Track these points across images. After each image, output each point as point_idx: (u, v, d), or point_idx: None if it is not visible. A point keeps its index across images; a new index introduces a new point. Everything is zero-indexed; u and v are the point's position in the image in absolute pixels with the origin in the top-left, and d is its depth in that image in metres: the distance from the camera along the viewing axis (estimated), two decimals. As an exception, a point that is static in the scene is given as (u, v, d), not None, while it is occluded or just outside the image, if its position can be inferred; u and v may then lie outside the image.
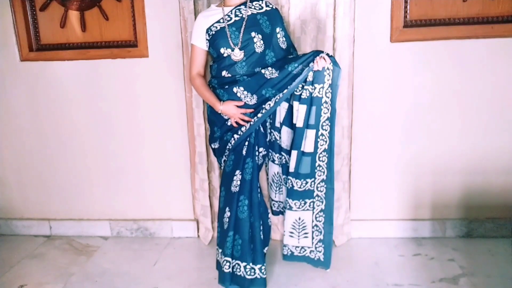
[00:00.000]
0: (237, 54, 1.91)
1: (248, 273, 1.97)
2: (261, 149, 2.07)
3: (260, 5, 1.95)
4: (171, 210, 2.63)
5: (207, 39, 1.97)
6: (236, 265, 1.99)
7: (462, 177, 2.40)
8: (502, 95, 2.29)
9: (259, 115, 1.96)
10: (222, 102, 1.98)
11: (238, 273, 1.99)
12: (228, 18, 1.92)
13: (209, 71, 2.14)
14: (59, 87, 2.53)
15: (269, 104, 1.94)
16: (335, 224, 2.44)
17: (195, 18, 2.26)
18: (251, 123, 1.97)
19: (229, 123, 2.01)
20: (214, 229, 2.58)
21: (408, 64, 2.30)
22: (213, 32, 1.94)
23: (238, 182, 1.98)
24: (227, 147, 2.04)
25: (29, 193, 2.72)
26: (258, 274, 1.98)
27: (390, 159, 2.42)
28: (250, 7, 1.93)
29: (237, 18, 1.92)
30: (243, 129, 1.98)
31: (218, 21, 1.93)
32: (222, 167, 2.14)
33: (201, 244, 2.54)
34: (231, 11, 1.93)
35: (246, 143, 2.00)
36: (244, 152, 1.99)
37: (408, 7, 2.23)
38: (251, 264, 1.97)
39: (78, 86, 2.52)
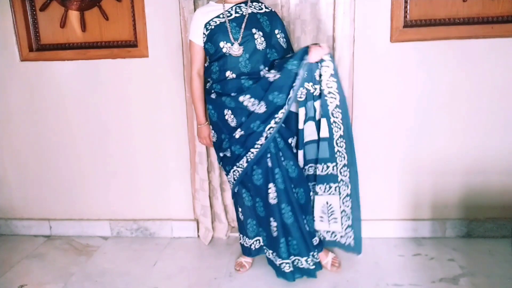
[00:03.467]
0: (236, 49, 1.90)
1: (311, 263, 2.07)
2: (290, 140, 2.05)
3: (260, 6, 1.98)
4: (171, 210, 2.63)
5: (204, 34, 1.96)
6: (296, 260, 2.06)
7: (462, 177, 2.40)
8: (502, 95, 2.28)
9: (274, 125, 1.93)
10: (206, 123, 2.13)
11: (301, 266, 2.06)
12: (228, 14, 1.93)
13: (206, 74, 2.09)
14: (59, 87, 2.53)
15: (282, 112, 1.91)
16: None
17: (195, 17, 2.28)
18: (268, 136, 1.94)
19: (237, 136, 1.97)
20: (214, 229, 2.58)
21: (408, 64, 2.30)
22: (212, 27, 1.94)
23: (275, 194, 2.00)
24: (243, 160, 2.00)
25: (29, 193, 2.72)
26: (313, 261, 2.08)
27: (390, 159, 2.42)
28: (250, 6, 1.95)
29: (237, 15, 1.93)
30: (259, 142, 1.95)
31: (218, 16, 1.94)
32: (228, 175, 2.11)
33: (201, 244, 2.53)
34: (232, 7, 1.95)
35: (269, 155, 1.99)
36: (270, 164, 1.99)
37: (408, 7, 2.23)
38: (310, 256, 2.07)
39: (78, 86, 2.52)
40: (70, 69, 2.49)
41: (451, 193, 2.42)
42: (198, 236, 2.61)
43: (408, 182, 2.44)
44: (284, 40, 2.02)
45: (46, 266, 2.38)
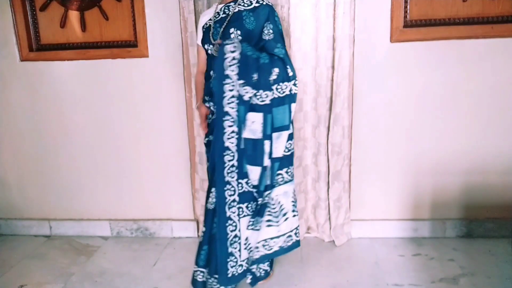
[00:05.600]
0: (214, 50, 1.89)
1: None
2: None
3: (250, 1, 1.88)
4: (171, 210, 2.63)
5: (201, 35, 1.98)
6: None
7: (462, 177, 2.40)
8: (502, 95, 2.29)
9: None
10: (202, 104, 1.98)
11: None
12: (217, 15, 1.93)
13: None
14: (59, 87, 2.53)
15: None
16: (335, 224, 2.45)
17: (195, 18, 2.28)
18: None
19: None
20: (214, 229, 2.58)
21: (408, 64, 2.30)
22: (204, 29, 1.96)
23: None
24: None
25: (29, 193, 2.72)
26: None
27: (390, 159, 2.42)
28: (239, 4, 1.88)
29: (223, 15, 1.91)
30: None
31: (210, 19, 1.95)
32: None
33: (201, 244, 2.53)
34: (221, 8, 1.93)
35: None
36: None
37: (408, 7, 2.23)
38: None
39: (78, 86, 2.52)
40: (70, 69, 2.49)
41: (451, 193, 2.42)
42: (198, 236, 2.61)
43: (408, 182, 2.44)
44: (272, 35, 1.86)
45: (46, 266, 2.38)
